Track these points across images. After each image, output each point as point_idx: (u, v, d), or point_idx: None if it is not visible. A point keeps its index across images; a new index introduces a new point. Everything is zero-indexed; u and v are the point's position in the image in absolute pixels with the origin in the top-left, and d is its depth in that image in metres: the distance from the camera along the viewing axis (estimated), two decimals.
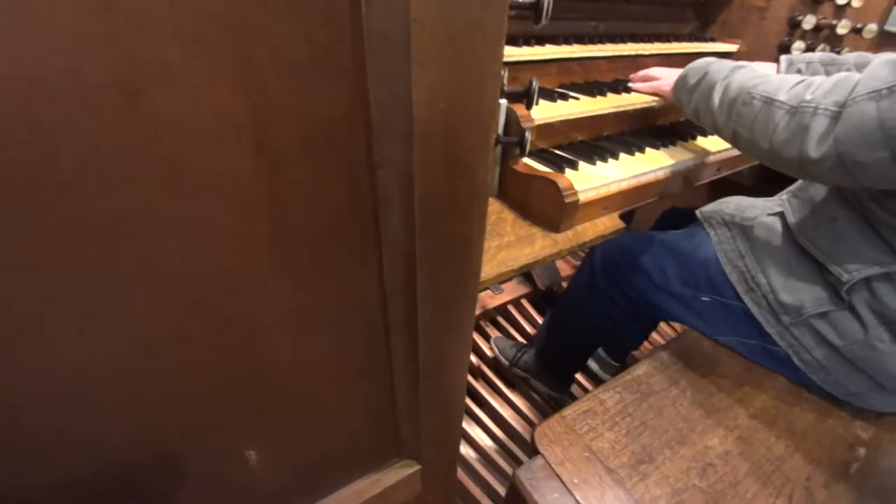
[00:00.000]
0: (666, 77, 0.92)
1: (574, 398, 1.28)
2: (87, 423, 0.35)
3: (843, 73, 0.60)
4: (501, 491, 1.10)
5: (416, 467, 0.60)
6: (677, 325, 1.54)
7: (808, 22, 1.24)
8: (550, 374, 1.25)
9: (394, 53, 0.28)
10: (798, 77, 0.65)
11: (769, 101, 0.64)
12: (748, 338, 0.84)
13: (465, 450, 1.21)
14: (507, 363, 1.31)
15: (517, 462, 1.17)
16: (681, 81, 0.83)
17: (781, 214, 0.80)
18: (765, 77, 0.68)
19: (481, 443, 1.21)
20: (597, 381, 1.34)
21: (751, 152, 0.71)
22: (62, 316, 0.29)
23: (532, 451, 0.73)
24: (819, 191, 0.76)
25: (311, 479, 0.53)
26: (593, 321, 1.07)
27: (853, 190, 0.70)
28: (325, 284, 0.37)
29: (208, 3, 0.24)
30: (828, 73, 0.82)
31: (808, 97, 0.59)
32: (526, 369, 1.29)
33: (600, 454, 0.72)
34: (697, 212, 0.93)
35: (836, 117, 0.56)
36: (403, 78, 0.29)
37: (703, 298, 0.87)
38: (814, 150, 0.58)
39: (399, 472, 0.59)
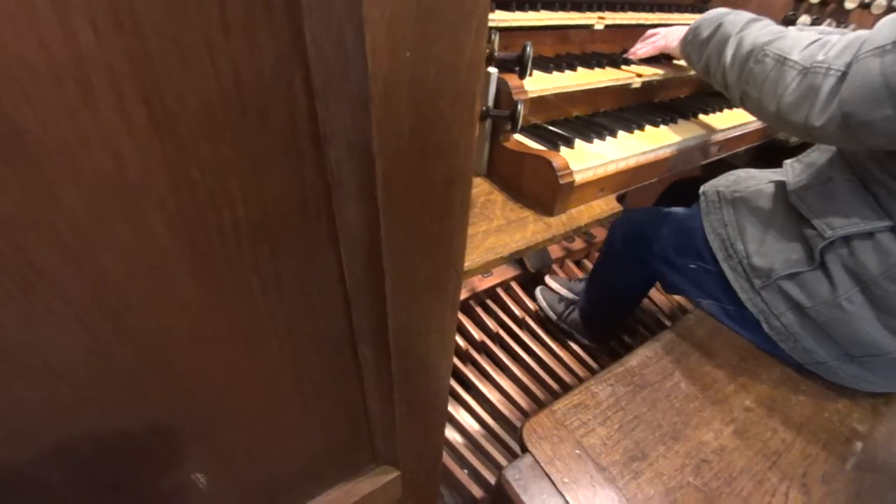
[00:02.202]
0: (670, 32, 0.86)
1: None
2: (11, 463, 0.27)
3: (855, 33, 0.55)
4: (489, 477, 1.05)
5: (395, 473, 0.54)
6: (664, 309, 1.48)
7: None
8: (594, 331, 1.31)
9: None
10: (814, 35, 0.59)
11: (782, 61, 0.59)
12: (726, 303, 0.83)
13: (453, 434, 1.16)
14: (554, 317, 1.35)
15: (505, 447, 1.13)
16: (692, 33, 0.76)
17: (777, 182, 0.77)
18: (781, 33, 0.62)
19: (469, 427, 1.16)
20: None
21: (759, 113, 0.67)
22: None
23: (520, 448, 0.68)
24: (821, 156, 0.72)
25: (276, 493, 0.46)
26: (616, 287, 1.14)
27: (855, 153, 0.66)
28: (268, 288, 0.29)
29: None
30: None
31: (820, 58, 0.55)
32: (573, 326, 1.33)
33: (592, 451, 0.66)
34: (701, 189, 0.88)
35: (843, 78, 0.52)
36: (353, 16, 0.20)
37: (692, 265, 0.86)
38: (816, 117, 0.55)
39: (376, 480, 0.53)
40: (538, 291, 1.40)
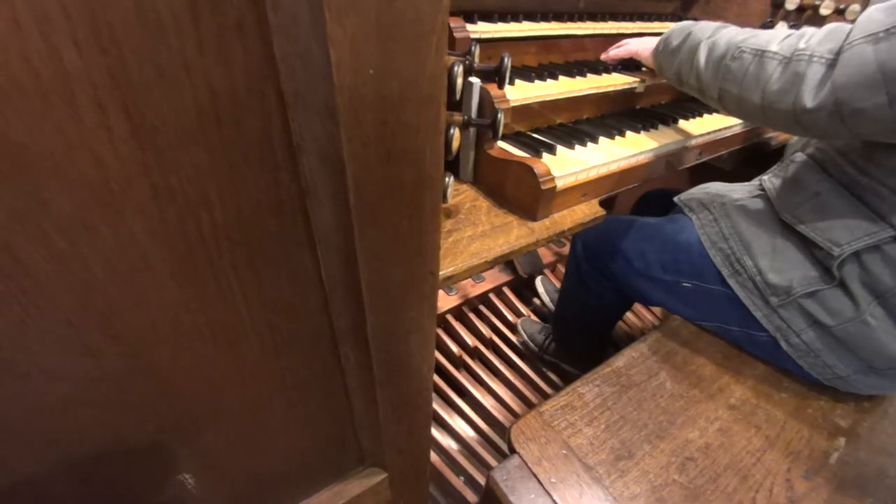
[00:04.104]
0: (641, 42, 0.87)
1: None
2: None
3: (834, 24, 0.56)
4: (483, 482, 1.06)
5: (383, 475, 0.55)
6: (658, 312, 1.50)
7: (791, 2, 1.18)
8: (578, 358, 1.23)
9: (301, 3, 0.21)
10: (788, 30, 0.62)
11: (761, 54, 0.60)
12: (731, 324, 0.80)
13: (447, 441, 1.16)
14: (537, 350, 1.29)
15: (500, 452, 1.13)
16: (662, 44, 0.78)
17: (763, 196, 0.76)
18: (753, 32, 0.64)
19: (463, 434, 1.17)
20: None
21: (739, 110, 0.67)
22: None
23: (508, 449, 0.69)
24: (800, 169, 0.72)
25: (265, 494, 0.47)
26: (587, 304, 1.05)
27: (833, 160, 0.67)
28: (248, 290, 0.30)
29: None
30: None
31: (801, 45, 0.56)
32: (556, 356, 1.27)
33: (578, 451, 0.68)
34: (676, 198, 0.89)
35: (832, 64, 0.53)
36: (318, 34, 0.22)
37: (685, 284, 0.83)
38: (810, 99, 0.55)
39: (364, 482, 0.53)
40: (520, 323, 1.36)
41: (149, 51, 0.21)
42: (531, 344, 1.31)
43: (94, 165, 0.22)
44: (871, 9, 0.52)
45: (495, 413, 1.20)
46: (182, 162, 0.24)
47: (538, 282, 1.39)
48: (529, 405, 1.22)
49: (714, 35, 0.68)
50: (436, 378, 1.27)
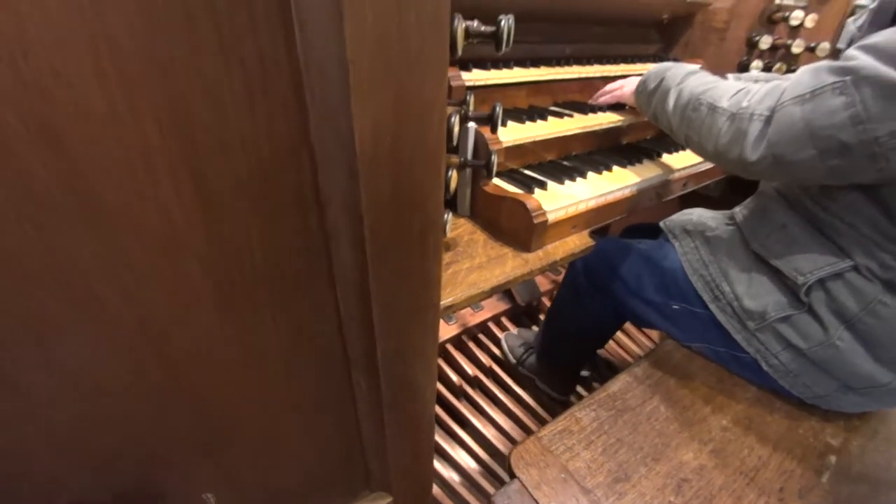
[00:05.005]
0: (627, 84, 0.96)
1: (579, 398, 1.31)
2: (33, 473, 0.33)
3: (775, 82, 0.64)
4: None
5: (388, 499, 0.58)
6: (654, 336, 1.54)
7: (765, 42, 1.29)
8: (551, 377, 1.29)
9: (333, 91, 0.28)
10: (740, 84, 0.70)
11: (713, 108, 0.68)
12: (717, 345, 0.85)
13: (449, 473, 1.18)
14: (514, 362, 1.35)
15: (501, 483, 1.15)
16: (641, 86, 0.87)
17: (736, 226, 0.83)
18: (713, 84, 0.73)
19: (465, 465, 1.19)
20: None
21: (702, 154, 0.75)
22: None
23: (508, 474, 0.72)
24: (767, 202, 0.79)
25: None
26: (579, 322, 1.11)
27: (797, 196, 0.74)
28: (277, 321, 0.36)
29: (128, 42, 0.23)
30: None
31: (744, 104, 0.64)
32: (531, 370, 1.32)
33: (577, 474, 0.71)
34: (661, 223, 0.95)
35: (769, 121, 0.60)
36: (344, 115, 0.28)
37: (674, 306, 0.89)
38: (752, 153, 0.62)
39: None
40: (504, 337, 1.42)
41: (214, 128, 0.28)
42: (510, 356, 1.37)
43: (164, 219, 0.28)
44: (800, 71, 0.60)
45: (496, 443, 1.22)
46: (232, 214, 0.30)
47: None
48: (529, 433, 1.24)
49: (682, 82, 0.77)
50: (437, 409, 1.30)
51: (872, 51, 0.54)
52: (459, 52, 0.55)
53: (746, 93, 0.65)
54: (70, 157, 0.25)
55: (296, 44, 0.26)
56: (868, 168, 0.56)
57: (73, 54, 0.22)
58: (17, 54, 0.21)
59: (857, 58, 0.55)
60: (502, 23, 0.56)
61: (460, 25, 0.52)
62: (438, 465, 1.19)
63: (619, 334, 1.54)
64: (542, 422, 1.26)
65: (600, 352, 1.45)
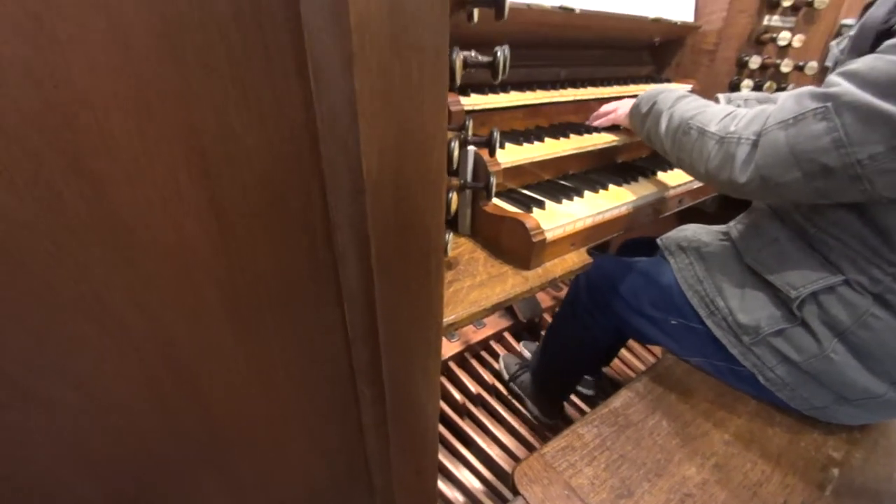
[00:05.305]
0: (621, 106, 1.01)
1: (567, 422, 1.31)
2: (47, 483, 0.35)
3: (761, 107, 0.67)
4: None
5: None
6: (658, 352, 1.55)
7: (754, 62, 1.34)
8: (542, 396, 1.30)
9: (343, 129, 0.31)
10: (728, 109, 0.73)
11: (703, 132, 0.72)
12: (715, 359, 0.87)
13: (453, 493, 1.18)
14: (507, 377, 1.38)
15: (504, 501, 1.15)
16: (635, 109, 0.92)
17: (730, 241, 0.85)
18: (702, 108, 0.76)
19: (469, 486, 1.19)
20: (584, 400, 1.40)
21: (693, 174, 0.78)
22: (15, 380, 0.30)
23: (512, 491, 0.73)
24: (760, 217, 0.82)
25: None
26: (577, 338, 1.12)
27: (788, 211, 0.77)
28: (287, 337, 0.38)
29: (161, 86, 0.26)
30: None
31: (732, 128, 0.67)
32: (522, 388, 1.34)
33: (580, 491, 0.72)
34: (658, 240, 0.98)
35: (755, 145, 0.63)
36: (353, 149, 0.31)
37: (672, 322, 0.91)
38: (741, 175, 0.65)
39: None
40: (502, 355, 1.45)
41: (237, 173, 0.31)
42: (504, 373, 1.40)
43: (189, 250, 0.31)
44: (784, 96, 0.64)
45: (501, 462, 1.22)
46: (249, 243, 0.33)
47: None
48: (533, 451, 1.24)
49: (673, 106, 0.80)
50: (441, 428, 1.30)
51: (852, 77, 0.57)
52: (458, 81, 0.58)
53: (734, 117, 0.69)
54: (103, 188, 0.27)
55: (311, 91, 0.29)
56: (851, 189, 0.58)
57: (107, 89, 0.25)
58: (47, 83, 0.24)
59: (838, 84, 0.58)
60: (498, 53, 0.60)
61: (458, 57, 0.56)
62: (443, 485, 1.20)
63: (622, 351, 1.55)
64: (546, 439, 1.27)
65: (605, 370, 1.46)
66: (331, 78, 0.28)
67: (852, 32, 0.69)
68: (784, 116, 0.61)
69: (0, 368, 0.28)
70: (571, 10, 0.95)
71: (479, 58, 0.61)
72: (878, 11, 0.63)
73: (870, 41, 0.63)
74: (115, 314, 0.32)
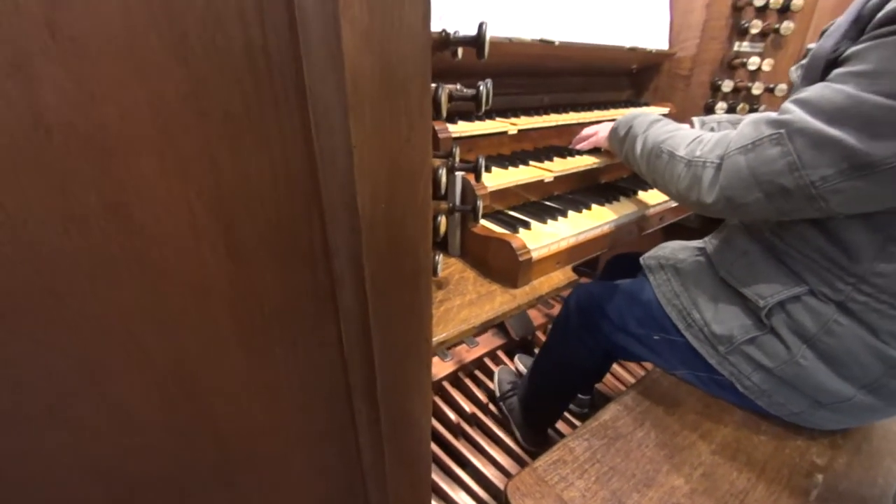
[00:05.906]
0: (602, 130, 1.08)
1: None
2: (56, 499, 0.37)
3: (724, 132, 0.73)
4: None
5: None
6: (647, 366, 1.59)
7: (727, 85, 1.42)
8: (527, 423, 1.31)
9: (340, 168, 0.35)
10: (696, 133, 0.80)
11: (672, 155, 0.78)
12: (698, 370, 0.91)
13: None
14: (497, 395, 1.40)
15: None
16: (613, 132, 0.99)
17: (705, 255, 0.91)
18: (672, 132, 0.83)
19: None
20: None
21: (667, 194, 0.84)
22: (36, 399, 0.33)
23: None
24: (732, 232, 0.88)
25: None
26: (570, 357, 1.15)
27: (758, 227, 0.82)
28: (289, 356, 0.42)
29: (181, 131, 0.30)
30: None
31: (698, 153, 0.73)
32: (510, 410, 1.36)
33: None
34: (641, 259, 1.03)
35: (719, 168, 0.69)
36: (348, 184, 0.36)
37: (655, 337, 0.95)
38: (707, 196, 0.71)
39: None
40: (498, 370, 1.48)
41: (249, 208, 0.35)
42: (497, 389, 1.43)
43: (201, 276, 0.35)
44: (744, 122, 0.70)
45: (496, 482, 1.23)
46: (258, 271, 0.37)
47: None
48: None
49: (647, 130, 0.87)
50: (436, 449, 1.32)
51: (803, 105, 0.63)
52: (444, 114, 0.64)
53: (699, 142, 0.75)
54: (133, 224, 0.31)
55: (312, 136, 0.33)
56: (809, 207, 0.64)
57: (136, 133, 0.29)
58: (93, 133, 0.28)
59: (791, 111, 0.64)
60: (481, 87, 0.66)
61: (444, 92, 0.62)
62: None
63: (614, 366, 1.59)
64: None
65: (597, 386, 1.49)
66: (330, 124, 0.33)
67: (804, 61, 0.75)
68: (743, 142, 0.67)
69: (36, 390, 0.31)
70: (551, 42, 1.02)
71: (464, 90, 0.67)
72: (826, 42, 0.70)
73: (820, 70, 0.69)
74: (142, 344, 0.35)
